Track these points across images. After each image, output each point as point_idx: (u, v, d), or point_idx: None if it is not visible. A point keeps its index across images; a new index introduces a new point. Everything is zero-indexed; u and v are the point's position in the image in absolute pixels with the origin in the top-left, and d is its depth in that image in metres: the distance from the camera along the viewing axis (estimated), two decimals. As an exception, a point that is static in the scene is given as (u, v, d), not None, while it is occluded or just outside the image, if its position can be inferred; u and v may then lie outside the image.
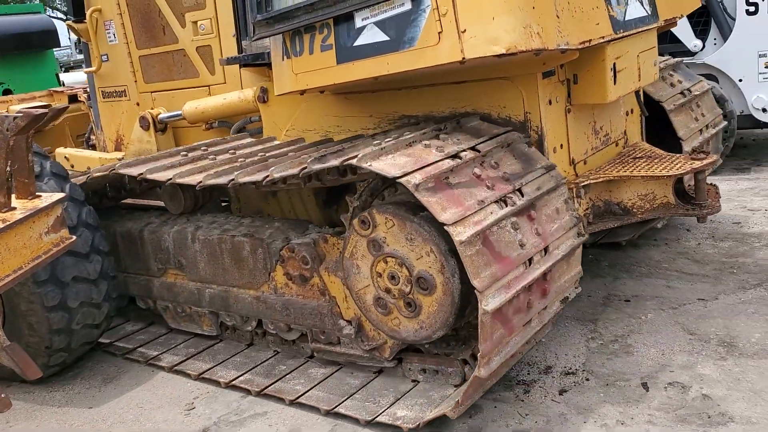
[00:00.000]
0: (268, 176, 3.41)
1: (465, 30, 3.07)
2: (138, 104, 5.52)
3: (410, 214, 3.09)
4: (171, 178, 3.86)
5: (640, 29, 3.84)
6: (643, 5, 3.91)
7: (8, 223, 2.81)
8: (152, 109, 5.29)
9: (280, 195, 4.56)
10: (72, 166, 5.90)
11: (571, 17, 3.28)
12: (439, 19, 3.14)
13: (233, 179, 3.58)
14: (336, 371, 3.79)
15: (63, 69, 22.34)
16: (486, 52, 3.03)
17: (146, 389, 3.99)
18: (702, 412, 3.16)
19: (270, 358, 4.07)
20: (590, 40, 3.38)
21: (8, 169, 2.83)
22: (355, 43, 3.47)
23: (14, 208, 2.91)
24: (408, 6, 3.24)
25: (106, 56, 5.57)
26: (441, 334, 3.24)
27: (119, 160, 5.50)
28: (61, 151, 6.04)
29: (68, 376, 4.23)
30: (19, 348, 2.92)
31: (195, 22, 5.00)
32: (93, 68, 5.62)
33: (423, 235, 3.07)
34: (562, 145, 3.76)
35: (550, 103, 3.64)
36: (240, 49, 4.65)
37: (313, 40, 3.64)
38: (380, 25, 3.36)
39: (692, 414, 3.16)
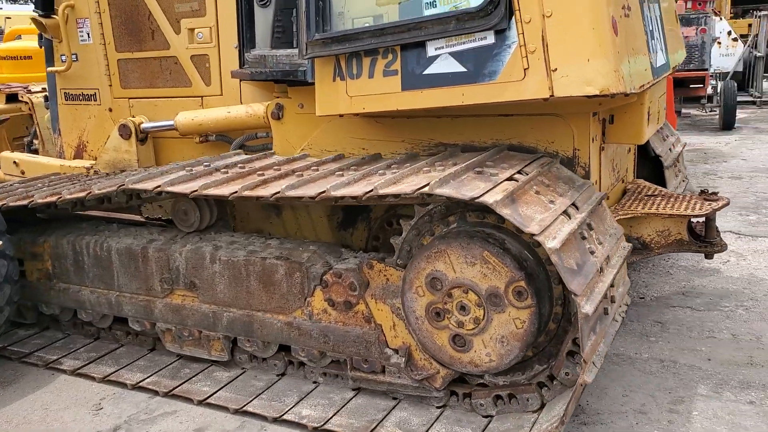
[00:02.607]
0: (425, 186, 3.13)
1: (556, 69, 3.15)
2: (111, 110, 5.16)
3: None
4: (328, 190, 3.33)
5: (663, 76, 4.11)
6: (663, 55, 4.19)
7: None
8: (133, 117, 4.96)
9: (285, 214, 4.44)
10: (22, 173, 5.40)
11: (635, 64, 3.47)
12: (526, 56, 3.21)
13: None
14: (240, 374, 4.00)
15: None
16: (579, 92, 3.13)
17: (49, 391, 4.03)
18: None
19: (174, 361, 4.21)
20: (643, 85, 3.58)
21: None
22: (425, 72, 3.46)
23: None
24: (491, 40, 3.28)
25: (75, 56, 5.16)
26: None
27: (87, 169, 5.12)
28: (7, 156, 5.52)
29: (-37, 380, 4.23)
30: None
31: (192, 30, 4.76)
32: (61, 68, 5.18)
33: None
34: (596, 182, 3.94)
35: (593, 140, 3.81)
36: (242, 62, 4.46)
37: (374, 64, 3.59)
38: (456, 56, 3.38)
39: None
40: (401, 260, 3.55)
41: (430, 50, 3.43)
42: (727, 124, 12.36)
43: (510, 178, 3.25)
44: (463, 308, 3.30)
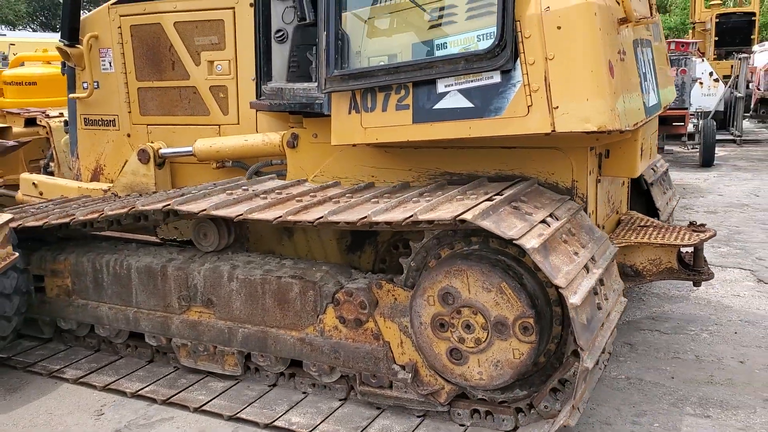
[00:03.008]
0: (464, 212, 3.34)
1: (557, 107, 3.45)
2: (129, 135, 5.42)
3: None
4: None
5: (655, 114, 4.43)
6: (655, 95, 4.50)
7: None
8: (152, 143, 5.21)
9: (297, 236, 4.67)
10: (41, 194, 5.62)
11: (630, 103, 3.77)
12: (530, 94, 3.50)
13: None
14: (234, 385, 4.28)
15: None
16: (578, 128, 3.42)
17: (53, 398, 4.28)
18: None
19: (171, 372, 4.48)
20: (637, 123, 3.88)
21: None
22: (435, 107, 3.74)
23: None
24: (497, 80, 3.58)
25: (96, 83, 5.43)
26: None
27: (104, 191, 5.35)
28: (27, 177, 5.74)
29: (-30, 387, 4.45)
30: None
31: (211, 62, 5.04)
32: (83, 95, 5.44)
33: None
34: (593, 212, 4.22)
35: (590, 173, 4.09)
36: (259, 93, 4.74)
37: (387, 99, 3.87)
38: (465, 92, 3.66)
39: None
40: (415, 263, 3.79)
41: (440, 87, 3.72)
42: (707, 161, 12.80)
43: (543, 221, 3.52)
44: (468, 327, 3.54)
